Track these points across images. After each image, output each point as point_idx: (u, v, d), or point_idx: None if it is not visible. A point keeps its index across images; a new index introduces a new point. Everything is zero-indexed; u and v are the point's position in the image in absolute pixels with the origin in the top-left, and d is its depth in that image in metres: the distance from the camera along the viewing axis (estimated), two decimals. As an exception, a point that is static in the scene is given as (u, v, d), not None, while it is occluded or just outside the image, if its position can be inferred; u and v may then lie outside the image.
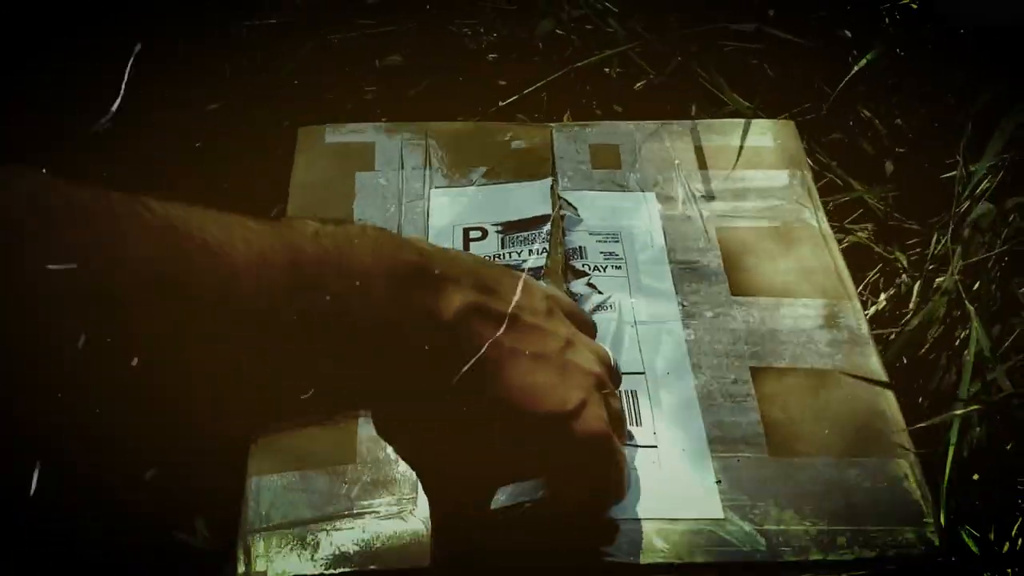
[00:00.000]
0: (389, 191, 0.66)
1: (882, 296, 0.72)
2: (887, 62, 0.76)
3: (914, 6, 0.79)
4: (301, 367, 0.35)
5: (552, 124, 0.72)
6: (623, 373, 0.55)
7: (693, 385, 0.55)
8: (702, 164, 0.69)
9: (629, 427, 0.53)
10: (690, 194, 0.66)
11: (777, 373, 0.56)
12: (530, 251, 0.61)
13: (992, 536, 0.59)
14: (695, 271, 0.62)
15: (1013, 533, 0.60)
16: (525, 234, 0.62)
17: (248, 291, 0.33)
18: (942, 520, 0.51)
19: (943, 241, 0.69)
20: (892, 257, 0.72)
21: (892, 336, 0.66)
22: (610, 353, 0.48)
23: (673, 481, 0.51)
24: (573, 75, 0.80)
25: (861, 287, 0.73)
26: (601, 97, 0.78)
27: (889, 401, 0.55)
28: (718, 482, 0.51)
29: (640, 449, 0.52)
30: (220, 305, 0.32)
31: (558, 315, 0.45)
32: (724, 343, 0.58)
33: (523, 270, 0.59)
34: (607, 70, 0.80)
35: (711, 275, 0.61)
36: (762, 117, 0.75)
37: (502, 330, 0.40)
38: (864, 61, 0.74)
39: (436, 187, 0.66)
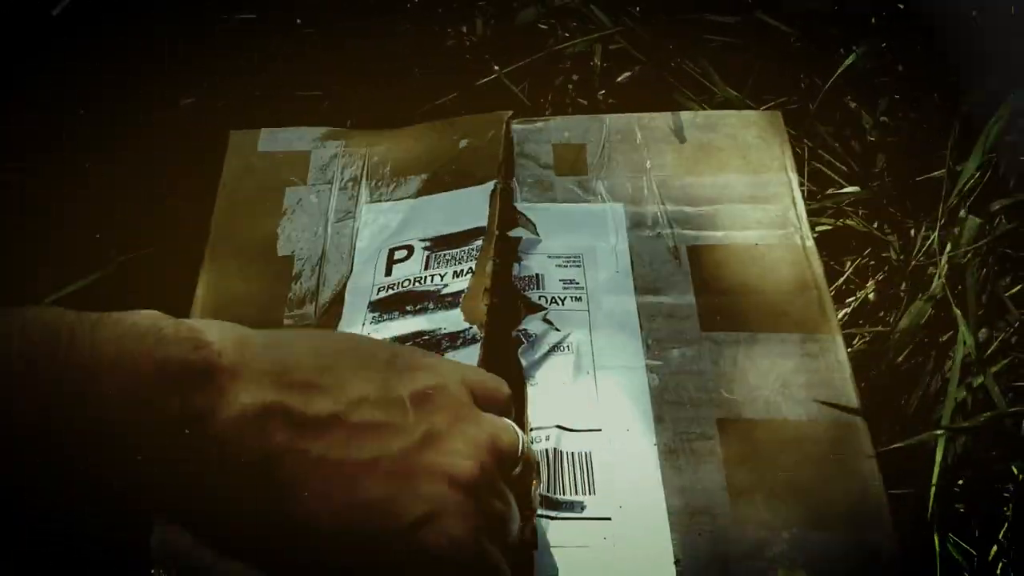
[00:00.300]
0: (319, 209, 0.60)
1: (870, 283, 0.69)
2: (874, 59, 0.70)
3: (900, 5, 0.72)
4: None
5: (514, 119, 0.65)
6: (577, 431, 0.51)
7: (654, 443, 0.51)
8: (677, 166, 0.62)
9: (581, 497, 0.48)
10: (661, 204, 0.60)
11: (747, 426, 0.52)
12: (454, 273, 0.55)
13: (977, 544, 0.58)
14: (662, 301, 0.56)
15: (1000, 536, 0.58)
16: (453, 252, 0.56)
17: None
18: None
19: (931, 239, 0.65)
20: (887, 239, 0.67)
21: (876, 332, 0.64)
22: (520, 436, 0.40)
23: (627, 562, 0.47)
24: (555, 64, 0.75)
25: (850, 270, 0.69)
26: (584, 89, 0.71)
27: (868, 460, 0.51)
28: (676, 562, 0.47)
29: (592, 522, 0.48)
30: None
31: (435, 402, 0.37)
32: (691, 390, 0.53)
33: (442, 296, 0.54)
34: (592, 63, 0.73)
35: (680, 306, 0.56)
36: (751, 107, 0.69)
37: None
38: (852, 57, 0.68)
39: (370, 202, 0.60)
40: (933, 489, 0.55)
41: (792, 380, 0.53)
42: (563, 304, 0.55)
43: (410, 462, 0.35)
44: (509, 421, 0.40)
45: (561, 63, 0.75)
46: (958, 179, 0.65)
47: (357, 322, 0.54)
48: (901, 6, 0.73)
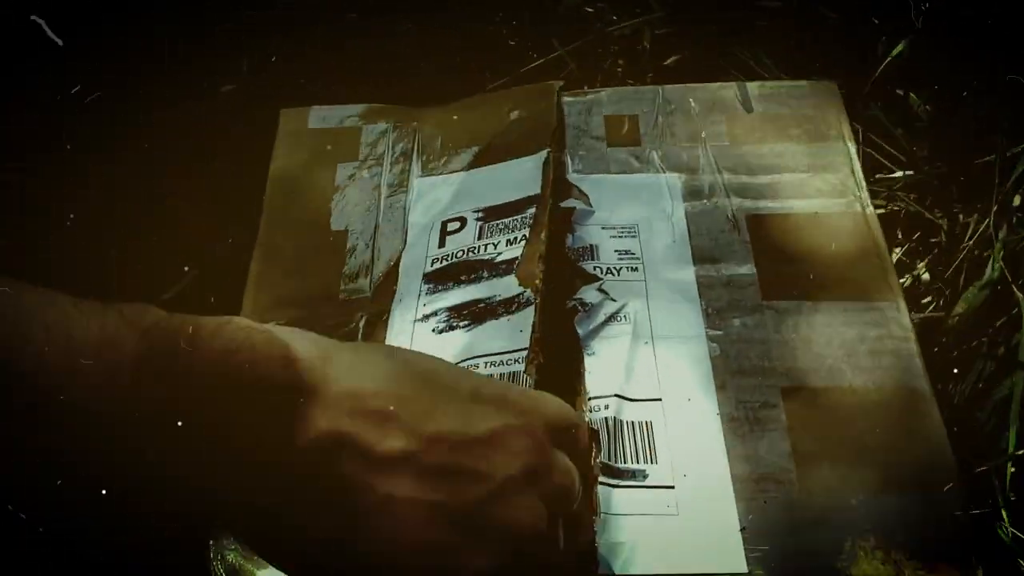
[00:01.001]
0: (371, 184, 0.60)
1: (921, 264, 0.67)
2: (921, 44, 0.69)
3: None
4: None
5: (561, 86, 0.64)
6: (636, 400, 0.50)
7: (717, 412, 0.50)
8: (733, 136, 0.61)
9: (644, 466, 0.48)
10: (718, 173, 0.59)
11: (811, 394, 0.50)
12: (508, 241, 0.54)
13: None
14: (721, 271, 0.55)
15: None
16: (506, 220, 0.55)
17: (94, 373, 0.30)
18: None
19: (985, 223, 0.63)
20: (939, 222, 0.66)
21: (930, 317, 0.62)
22: (577, 486, 0.39)
23: (691, 530, 0.46)
24: (603, 47, 0.74)
25: (900, 253, 0.67)
26: (632, 72, 0.70)
27: (934, 420, 0.49)
28: (742, 529, 0.46)
29: (655, 491, 0.47)
30: (66, 388, 0.30)
31: (514, 446, 0.35)
32: (753, 358, 0.52)
33: (496, 263, 0.53)
34: (641, 46, 0.73)
35: (740, 275, 0.55)
36: None
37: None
38: (902, 46, 0.67)
39: (422, 175, 0.60)
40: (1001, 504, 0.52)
41: (856, 348, 0.52)
42: (619, 275, 0.55)
43: (480, 513, 0.34)
44: (574, 470, 0.39)
45: (608, 46, 0.74)
46: (1017, 163, 0.62)
47: (413, 293, 0.54)
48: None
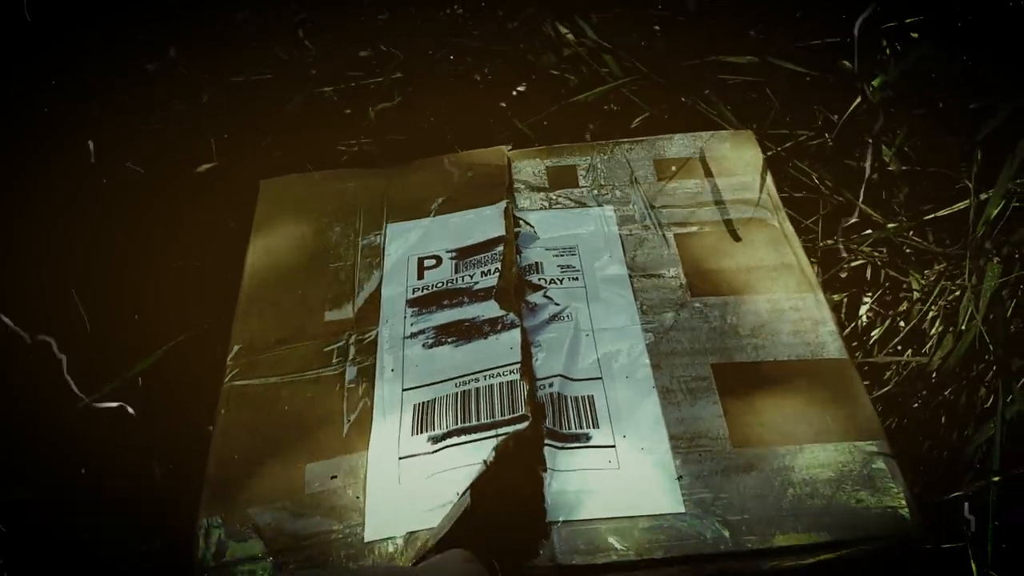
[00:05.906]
0: (346, 230, 0.67)
1: (892, 313, 0.69)
2: (891, 89, 0.72)
3: (914, 35, 0.76)
4: None
5: (510, 148, 0.72)
6: (578, 380, 0.54)
7: (653, 385, 0.54)
8: (661, 176, 0.69)
9: (586, 430, 0.52)
10: (648, 205, 0.66)
11: (738, 368, 0.55)
12: (482, 273, 0.61)
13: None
14: (654, 277, 0.61)
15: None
16: (478, 257, 0.62)
17: None
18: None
19: (959, 268, 0.66)
20: (906, 281, 0.69)
21: (905, 363, 0.64)
22: None
23: (631, 479, 0.49)
24: (571, 113, 0.79)
25: (872, 303, 0.70)
26: (601, 135, 0.75)
27: (855, 384, 0.54)
28: (679, 478, 0.49)
29: (597, 450, 0.51)
30: None
31: None
32: (684, 343, 0.57)
33: (475, 291, 0.59)
34: (607, 107, 0.78)
35: (670, 280, 0.61)
36: (768, 145, 0.74)
37: None
38: (872, 89, 0.70)
39: (392, 222, 0.67)
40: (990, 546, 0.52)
41: (779, 328, 0.57)
42: (561, 284, 0.60)
43: None
44: None
45: (576, 111, 0.79)
46: (984, 209, 0.63)
47: (398, 315, 0.59)
48: (915, 35, 0.74)
